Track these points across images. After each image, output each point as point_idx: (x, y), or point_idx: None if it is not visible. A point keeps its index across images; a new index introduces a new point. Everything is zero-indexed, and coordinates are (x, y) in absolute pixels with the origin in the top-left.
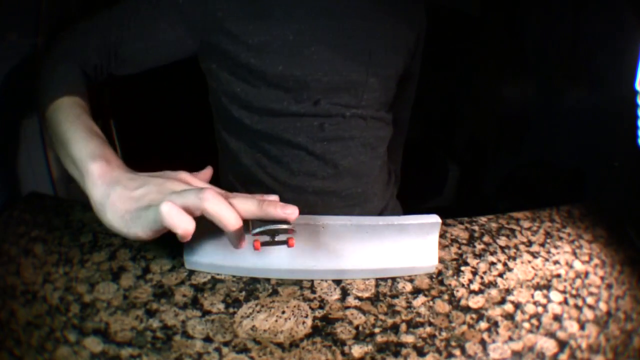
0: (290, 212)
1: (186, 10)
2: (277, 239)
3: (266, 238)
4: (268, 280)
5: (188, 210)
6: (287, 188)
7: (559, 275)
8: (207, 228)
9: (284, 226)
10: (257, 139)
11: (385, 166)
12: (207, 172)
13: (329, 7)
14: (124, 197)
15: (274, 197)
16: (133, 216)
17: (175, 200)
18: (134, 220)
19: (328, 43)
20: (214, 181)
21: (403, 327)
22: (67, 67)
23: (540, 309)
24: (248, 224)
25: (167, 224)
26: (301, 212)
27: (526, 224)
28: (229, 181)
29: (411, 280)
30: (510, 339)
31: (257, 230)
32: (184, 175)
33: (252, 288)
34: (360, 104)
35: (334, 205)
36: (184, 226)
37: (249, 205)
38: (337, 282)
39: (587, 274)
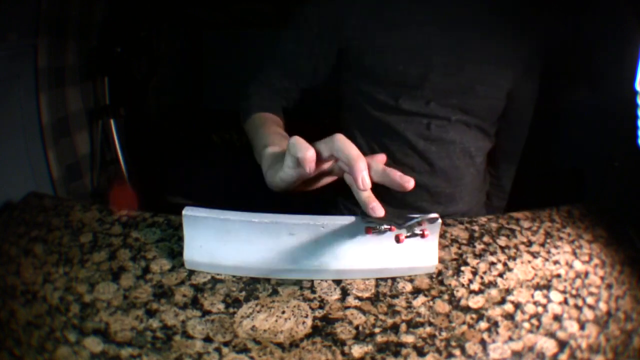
0: (409, 183)
1: (333, 23)
2: (416, 231)
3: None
4: (268, 280)
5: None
6: None
7: (559, 275)
8: (206, 228)
9: (433, 215)
10: (372, 127)
11: (482, 175)
12: (380, 156)
13: (447, 16)
14: (276, 154)
15: (382, 157)
16: (278, 167)
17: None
18: (280, 168)
19: (444, 48)
20: None
21: (403, 327)
22: (261, 92)
23: (540, 309)
24: (391, 220)
25: (292, 152)
26: (392, 198)
27: (526, 224)
28: None
29: (411, 280)
30: (510, 339)
31: (405, 225)
32: None
33: (252, 288)
34: (466, 109)
35: (422, 199)
36: (304, 149)
37: (376, 165)
38: (337, 282)
39: (587, 274)
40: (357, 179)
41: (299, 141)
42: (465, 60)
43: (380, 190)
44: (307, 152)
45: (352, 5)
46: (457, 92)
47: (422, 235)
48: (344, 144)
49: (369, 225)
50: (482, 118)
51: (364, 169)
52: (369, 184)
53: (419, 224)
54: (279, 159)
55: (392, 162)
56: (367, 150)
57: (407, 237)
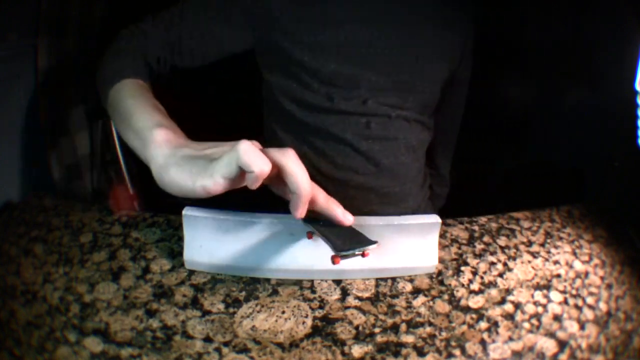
0: (350, 218)
1: (246, 8)
2: (356, 252)
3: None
4: (268, 280)
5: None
6: (330, 181)
7: (559, 275)
8: (206, 228)
9: (372, 247)
10: (305, 132)
11: (423, 169)
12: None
13: (381, 12)
14: (192, 155)
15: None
16: (202, 168)
17: (255, 147)
18: (203, 172)
19: (378, 46)
20: None
21: (403, 327)
22: (131, 57)
23: (540, 309)
24: (332, 242)
25: (243, 162)
26: (342, 205)
27: (526, 224)
28: None
29: (411, 280)
30: (510, 339)
31: (346, 253)
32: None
33: (252, 288)
34: (406, 106)
35: (371, 201)
36: (260, 165)
37: (318, 191)
38: (337, 282)
39: (587, 274)
40: (294, 213)
41: (253, 151)
42: (401, 57)
43: (333, 194)
44: (265, 168)
45: None
46: (395, 89)
47: (363, 255)
48: (296, 172)
49: (310, 231)
50: (420, 112)
51: (305, 204)
52: (301, 215)
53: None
54: (193, 160)
55: (333, 167)
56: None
57: (343, 256)
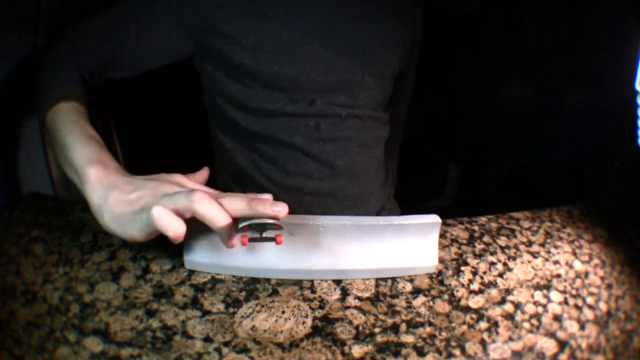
0: (280, 209)
1: (181, 12)
2: (265, 235)
3: (255, 234)
4: (268, 280)
5: (179, 213)
6: (283, 189)
7: (559, 275)
8: (206, 228)
9: (269, 221)
10: (253, 139)
11: (382, 166)
12: (204, 173)
13: (324, 6)
14: (120, 200)
15: (267, 196)
16: (128, 219)
17: (167, 204)
18: (129, 223)
19: (323, 42)
20: (211, 182)
21: (403, 327)
22: (64, 72)
23: (540, 309)
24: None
25: (158, 227)
26: (297, 213)
27: (526, 224)
28: (224, 182)
29: (411, 280)
30: (510, 339)
31: (243, 224)
32: (178, 177)
33: (252, 288)
34: (357, 104)
35: (330, 206)
36: (174, 229)
37: (238, 203)
38: (337, 282)
39: (587, 274)
40: (226, 244)
41: (166, 216)
42: (347, 52)
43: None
44: (179, 230)
45: None
46: (343, 87)
47: (276, 242)
48: (205, 214)
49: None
50: (374, 108)
51: (229, 234)
52: (236, 244)
53: (264, 228)
54: (121, 209)
55: (286, 175)
56: (250, 169)
57: (252, 240)
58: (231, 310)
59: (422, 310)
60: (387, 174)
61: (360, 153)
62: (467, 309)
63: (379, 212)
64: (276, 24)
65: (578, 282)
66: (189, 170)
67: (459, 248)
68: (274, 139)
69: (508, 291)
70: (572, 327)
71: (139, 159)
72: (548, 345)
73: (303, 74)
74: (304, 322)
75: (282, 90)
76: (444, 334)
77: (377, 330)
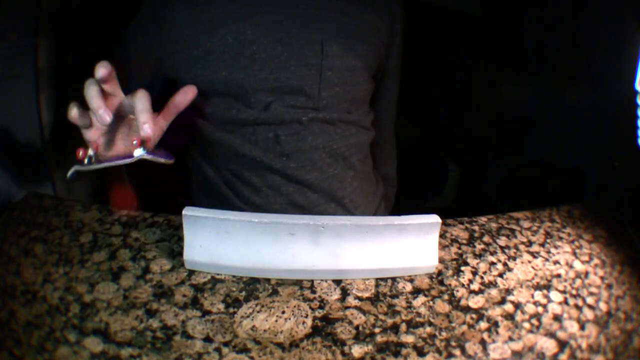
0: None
1: (146, 45)
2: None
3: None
4: (268, 280)
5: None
6: (252, 205)
7: (559, 275)
8: (206, 228)
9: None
10: (218, 152)
11: (367, 175)
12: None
13: (270, 0)
14: None
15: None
16: None
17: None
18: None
19: (271, 38)
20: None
21: (403, 327)
22: None
23: (540, 309)
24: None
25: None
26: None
27: (526, 224)
28: (199, 199)
29: (411, 280)
30: (510, 339)
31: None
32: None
33: (252, 288)
34: (320, 105)
35: None
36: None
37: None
38: (337, 282)
39: (587, 274)
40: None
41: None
42: (300, 46)
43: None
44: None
45: (165, 11)
46: (299, 85)
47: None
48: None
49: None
50: (347, 110)
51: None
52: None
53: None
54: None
55: (252, 190)
56: (219, 184)
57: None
58: (231, 310)
59: (422, 310)
60: (378, 182)
61: (333, 165)
62: (467, 309)
63: None
64: (222, 29)
65: (578, 282)
66: (188, 169)
67: (459, 248)
68: (235, 152)
69: (508, 291)
70: (572, 327)
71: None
72: (548, 345)
73: (251, 75)
74: (304, 322)
75: (235, 97)
76: (444, 334)
77: (377, 330)
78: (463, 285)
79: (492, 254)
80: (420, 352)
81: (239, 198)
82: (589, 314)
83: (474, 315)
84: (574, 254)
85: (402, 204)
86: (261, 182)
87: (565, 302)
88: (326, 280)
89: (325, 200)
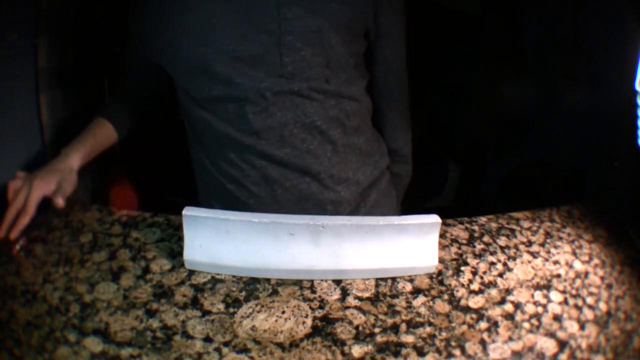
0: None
1: (139, 42)
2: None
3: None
4: (268, 280)
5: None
6: (230, 178)
7: (559, 275)
8: (206, 228)
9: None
10: (201, 132)
11: (355, 149)
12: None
13: None
14: None
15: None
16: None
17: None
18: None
19: (230, 8)
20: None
21: (403, 327)
22: (114, 99)
23: (540, 309)
24: None
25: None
26: (268, 206)
27: (526, 224)
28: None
29: (411, 280)
30: (510, 339)
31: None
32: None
33: (252, 288)
34: (285, 72)
35: (280, 197)
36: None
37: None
38: (337, 282)
39: (587, 274)
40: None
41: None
42: (258, 11)
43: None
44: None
45: (144, 6)
46: (260, 53)
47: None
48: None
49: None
50: (321, 78)
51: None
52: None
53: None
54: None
55: (230, 165)
56: (207, 166)
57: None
58: (231, 310)
59: (422, 310)
60: (377, 155)
61: (307, 140)
62: (467, 309)
63: (363, 195)
64: (183, 9)
65: (578, 282)
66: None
67: (459, 248)
68: (213, 129)
69: (508, 291)
70: (572, 327)
71: (139, 158)
72: (548, 345)
73: (212, 47)
74: (304, 322)
75: (204, 73)
76: (444, 334)
77: (377, 330)
78: (463, 285)
79: (492, 254)
80: (420, 352)
81: (219, 172)
82: (588, 314)
83: (473, 315)
84: (574, 254)
85: (402, 204)
86: (237, 157)
87: (565, 302)
88: (326, 280)
89: (298, 174)
